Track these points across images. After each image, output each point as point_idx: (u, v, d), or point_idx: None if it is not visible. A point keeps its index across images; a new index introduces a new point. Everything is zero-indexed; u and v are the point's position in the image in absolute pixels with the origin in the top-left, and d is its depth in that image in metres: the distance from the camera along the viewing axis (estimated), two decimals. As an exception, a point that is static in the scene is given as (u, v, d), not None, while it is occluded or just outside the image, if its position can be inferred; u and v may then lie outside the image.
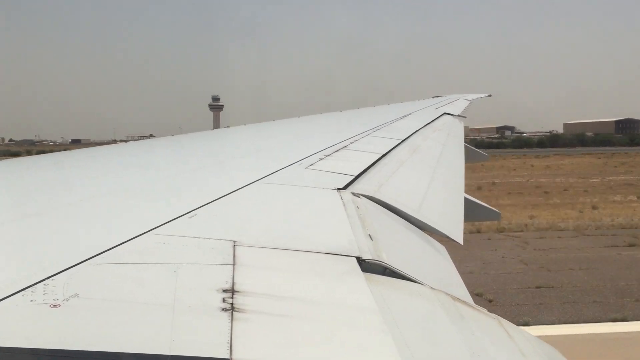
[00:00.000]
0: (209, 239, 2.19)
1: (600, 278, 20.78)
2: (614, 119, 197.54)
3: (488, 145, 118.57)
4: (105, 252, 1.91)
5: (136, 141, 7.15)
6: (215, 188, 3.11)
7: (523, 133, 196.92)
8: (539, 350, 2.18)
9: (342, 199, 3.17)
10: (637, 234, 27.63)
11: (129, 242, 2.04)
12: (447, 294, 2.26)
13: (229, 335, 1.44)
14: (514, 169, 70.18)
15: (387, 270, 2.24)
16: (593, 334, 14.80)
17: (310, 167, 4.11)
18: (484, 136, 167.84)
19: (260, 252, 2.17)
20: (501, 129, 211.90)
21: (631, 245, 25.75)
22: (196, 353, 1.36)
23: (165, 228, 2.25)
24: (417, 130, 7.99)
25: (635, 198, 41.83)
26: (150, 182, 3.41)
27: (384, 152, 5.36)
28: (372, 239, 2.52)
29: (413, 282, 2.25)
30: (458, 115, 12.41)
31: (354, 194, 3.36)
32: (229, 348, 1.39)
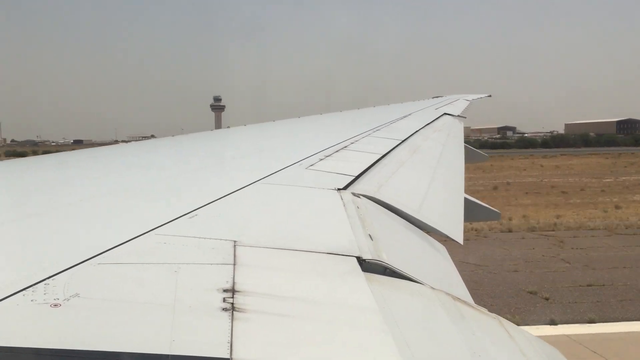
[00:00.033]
0: (210, 239, 2.20)
1: (647, 276, 21.03)
2: (615, 119, 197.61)
3: (492, 146, 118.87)
4: (106, 252, 1.91)
5: (137, 142, 7.15)
6: (216, 188, 3.11)
7: (524, 133, 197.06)
8: (539, 350, 2.18)
9: (342, 199, 3.17)
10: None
11: (129, 242, 2.04)
12: (448, 294, 2.26)
13: (230, 335, 1.45)
14: (524, 169, 70.49)
15: (388, 270, 2.24)
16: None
17: (311, 167, 4.11)
18: (485, 136, 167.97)
19: (261, 252, 2.17)
20: (502, 129, 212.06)
21: (666, 243, 26.03)
22: (196, 353, 1.36)
23: (166, 228, 2.25)
24: (417, 131, 7.99)
25: (654, 198, 42.24)
26: (151, 182, 3.42)
27: (384, 153, 5.36)
28: (372, 239, 2.52)
29: (413, 282, 2.25)
30: (458, 116, 12.41)
31: (354, 194, 3.36)
32: (229, 348, 1.39)
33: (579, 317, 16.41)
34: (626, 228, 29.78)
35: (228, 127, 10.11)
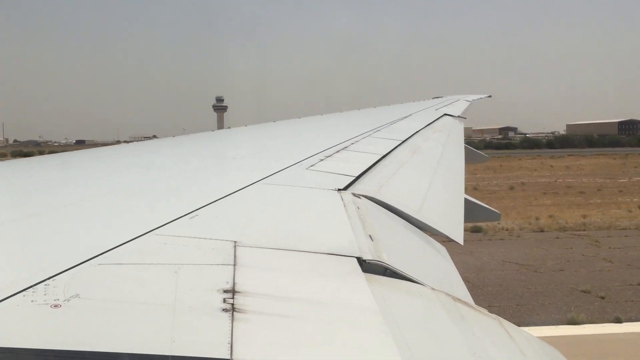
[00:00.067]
0: (210, 239, 2.20)
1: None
2: (616, 120, 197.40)
3: (497, 146, 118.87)
4: (106, 253, 1.91)
5: (138, 142, 7.16)
6: (216, 188, 3.12)
7: (526, 134, 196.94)
8: (539, 350, 2.18)
9: (342, 200, 3.17)
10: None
11: (129, 242, 2.04)
12: (448, 295, 2.26)
13: (230, 335, 1.45)
14: (535, 170, 70.80)
15: (388, 270, 2.24)
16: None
17: (311, 167, 4.11)
18: (487, 137, 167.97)
19: (261, 252, 2.17)
20: (504, 130, 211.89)
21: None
22: (197, 353, 1.36)
23: (166, 228, 2.26)
24: (417, 131, 7.99)
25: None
26: (151, 182, 3.42)
27: (384, 153, 5.36)
28: (372, 240, 2.52)
29: (414, 282, 2.25)
30: (458, 117, 12.41)
31: (354, 194, 3.36)
32: (229, 348, 1.39)
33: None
34: (657, 228, 30.30)
35: (229, 127, 10.11)
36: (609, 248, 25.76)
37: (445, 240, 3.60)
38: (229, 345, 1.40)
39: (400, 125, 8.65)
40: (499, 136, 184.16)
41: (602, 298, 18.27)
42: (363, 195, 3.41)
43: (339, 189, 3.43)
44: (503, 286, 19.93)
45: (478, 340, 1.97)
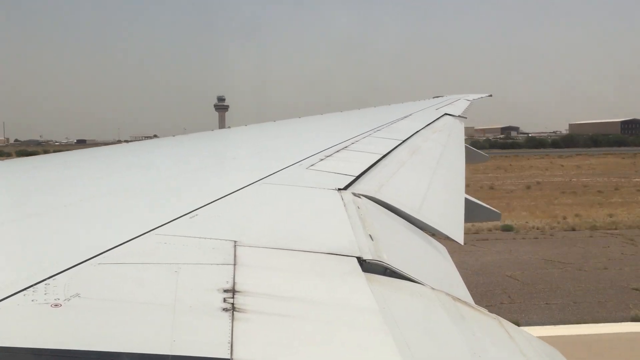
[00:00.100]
0: (210, 239, 2.20)
1: None
2: (619, 120, 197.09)
3: (502, 146, 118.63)
4: (106, 252, 1.92)
5: (138, 141, 7.16)
6: (216, 188, 3.12)
7: (528, 133, 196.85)
8: (539, 350, 2.18)
9: (342, 199, 3.17)
10: None
11: (129, 242, 2.05)
12: (448, 294, 2.26)
13: (230, 335, 1.45)
14: (546, 169, 70.74)
15: (388, 270, 2.24)
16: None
17: (311, 167, 4.11)
18: (489, 136, 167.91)
19: (261, 252, 2.17)
20: (506, 130, 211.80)
21: None
22: (197, 353, 1.36)
23: (166, 228, 2.26)
24: (417, 131, 7.99)
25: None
26: (151, 182, 3.42)
27: (384, 153, 5.36)
28: (372, 239, 2.52)
29: (414, 282, 2.26)
30: (459, 116, 12.41)
31: (354, 194, 3.36)
32: (229, 348, 1.39)
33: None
34: (688, 226, 30.40)
35: (229, 127, 10.12)
36: (646, 246, 25.91)
37: (445, 240, 3.60)
38: (229, 345, 1.40)
39: (400, 125, 8.65)
40: (501, 136, 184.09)
41: (655, 296, 18.48)
42: (363, 195, 3.41)
43: (339, 189, 3.43)
44: (553, 284, 19.89)
45: (478, 340, 1.98)
